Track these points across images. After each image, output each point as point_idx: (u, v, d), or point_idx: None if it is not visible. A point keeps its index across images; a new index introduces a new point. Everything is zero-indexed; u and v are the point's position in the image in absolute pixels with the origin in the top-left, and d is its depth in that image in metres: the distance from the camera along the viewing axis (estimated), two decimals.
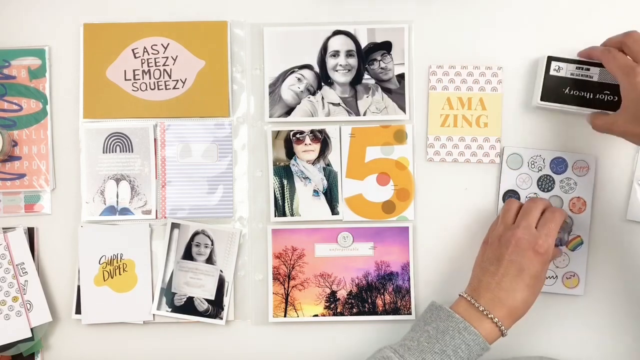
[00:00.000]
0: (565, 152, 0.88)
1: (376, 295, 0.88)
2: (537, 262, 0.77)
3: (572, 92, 0.84)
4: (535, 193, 0.88)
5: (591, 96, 0.84)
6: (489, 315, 0.75)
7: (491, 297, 0.76)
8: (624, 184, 0.88)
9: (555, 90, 0.84)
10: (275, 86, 0.88)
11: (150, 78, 0.88)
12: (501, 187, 0.88)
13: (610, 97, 0.83)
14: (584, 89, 0.84)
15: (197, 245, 0.88)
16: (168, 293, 0.87)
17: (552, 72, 0.84)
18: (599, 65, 0.82)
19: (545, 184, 0.88)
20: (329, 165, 0.88)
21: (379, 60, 0.88)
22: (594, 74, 0.83)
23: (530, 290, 0.77)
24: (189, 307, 0.87)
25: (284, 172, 0.88)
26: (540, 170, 0.88)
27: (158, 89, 0.88)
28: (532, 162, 0.88)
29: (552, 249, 0.78)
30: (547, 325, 0.87)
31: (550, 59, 0.84)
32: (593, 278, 0.87)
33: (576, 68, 0.84)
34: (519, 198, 0.87)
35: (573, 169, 0.87)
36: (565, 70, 0.84)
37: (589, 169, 0.87)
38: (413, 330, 0.78)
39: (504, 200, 0.87)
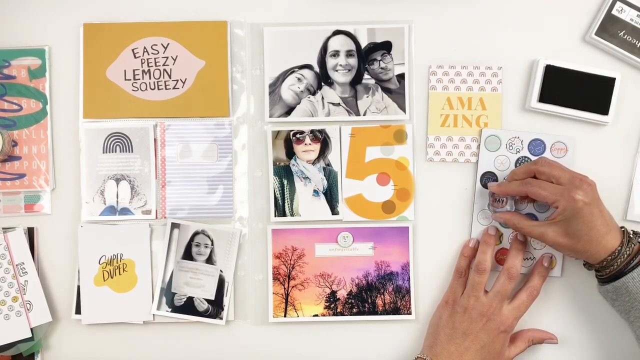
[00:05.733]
0: (544, 134, 0.88)
1: (376, 295, 0.88)
2: (501, 340, 0.81)
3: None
4: None
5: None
6: None
7: None
8: (623, 184, 0.88)
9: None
10: (275, 86, 0.88)
11: (150, 78, 0.88)
12: (479, 169, 0.88)
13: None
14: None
15: (197, 245, 0.88)
16: (168, 293, 0.87)
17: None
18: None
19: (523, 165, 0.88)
20: (329, 165, 0.88)
21: (379, 60, 0.88)
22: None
23: None
24: (189, 307, 0.87)
25: (284, 172, 0.88)
26: (518, 152, 0.88)
27: (158, 89, 0.88)
28: (510, 144, 0.88)
29: (515, 325, 0.83)
30: None
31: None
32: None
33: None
34: (496, 179, 0.87)
35: (551, 151, 0.87)
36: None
37: (567, 151, 0.87)
38: None
39: (481, 182, 0.87)
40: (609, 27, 0.86)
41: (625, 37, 0.86)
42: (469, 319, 0.81)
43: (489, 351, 0.81)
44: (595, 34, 0.86)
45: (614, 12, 0.85)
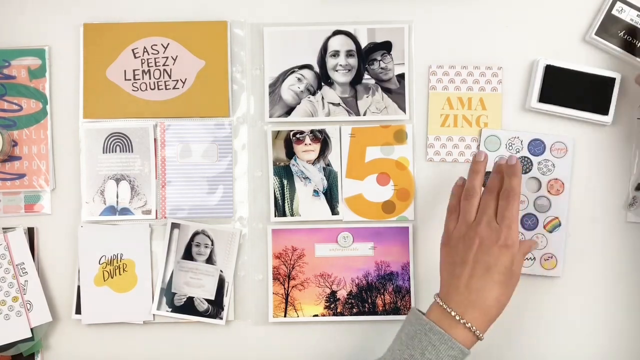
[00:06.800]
0: (543, 134, 0.87)
1: (376, 295, 0.88)
2: (505, 256, 0.73)
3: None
4: None
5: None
6: (462, 321, 0.72)
7: (461, 300, 0.73)
8: (623, 184, 0.88)
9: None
10: (275, 86, 0.88)
11: (150, 78, 0.88)
12: None
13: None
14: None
15: (197, 245, 0.88)
16: (168, 293, 0.87)
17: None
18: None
19: (523, 165, 0.87)
20: (329, 165, 0.88)
21: (379, 60, 0.88)
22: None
23: (502, 287, 0.73)
24: (189, 307, 0.87)
25: (284, 172, 0.88)
26: (518, 152, 0.88)
27: (158, 89, 0.88)
28: (510, 144, 0.87)
29: (517, 239, 0.75)
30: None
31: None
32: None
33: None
34: None
35: (551, 151, 0.87)
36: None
37: (567, 151, 0.87)
38: (393, 340, 0.76)
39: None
40: (609, 27, 0.86)
41: (625, 37, 0.86)
42: (464, 247, 0.75)
43: (499, 271, 0.73)
44: (595, 34, 0.86)
45: (614, 12, 0.86)
